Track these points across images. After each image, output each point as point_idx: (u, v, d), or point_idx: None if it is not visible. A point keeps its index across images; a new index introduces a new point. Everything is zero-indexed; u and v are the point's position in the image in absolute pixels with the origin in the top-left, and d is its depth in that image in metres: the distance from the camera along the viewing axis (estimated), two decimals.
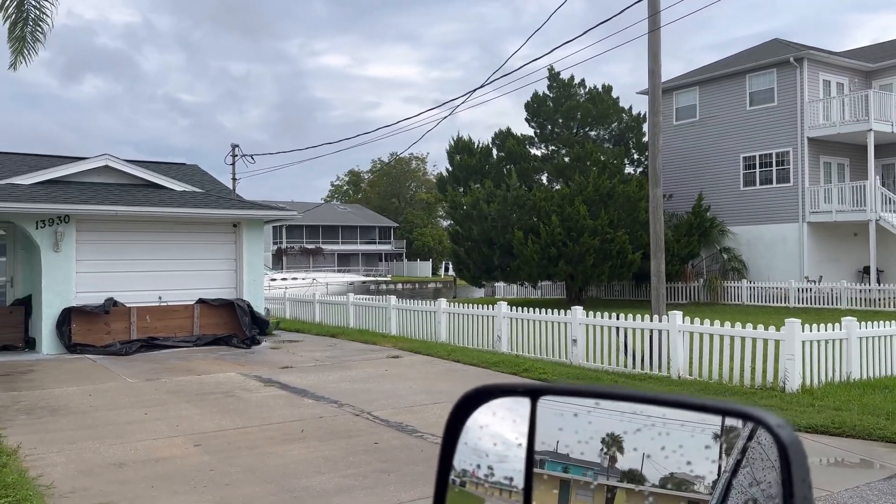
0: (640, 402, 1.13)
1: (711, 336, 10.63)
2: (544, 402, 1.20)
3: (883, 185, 29.28)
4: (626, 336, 11.95)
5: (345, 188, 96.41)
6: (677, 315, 11.05)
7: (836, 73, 30.88)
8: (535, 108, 31.71)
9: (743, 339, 10.19)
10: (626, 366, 11.81)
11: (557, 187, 30.06)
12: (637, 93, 36.23)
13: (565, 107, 30.94)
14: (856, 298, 26.15)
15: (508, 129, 31.59)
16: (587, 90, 31.44)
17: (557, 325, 13.00)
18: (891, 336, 10.48)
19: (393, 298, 17.62)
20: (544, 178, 32.27)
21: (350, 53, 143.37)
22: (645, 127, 32.43)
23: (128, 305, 14.78)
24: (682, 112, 34.46)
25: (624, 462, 1.10)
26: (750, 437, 1.03)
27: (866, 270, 30.12)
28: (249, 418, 8.61)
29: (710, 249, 31.79)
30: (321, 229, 75.52)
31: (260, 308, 15.95)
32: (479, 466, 1.21)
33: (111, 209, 14.21)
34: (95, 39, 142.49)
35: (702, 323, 10.98)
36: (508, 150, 30.05)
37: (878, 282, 28.44)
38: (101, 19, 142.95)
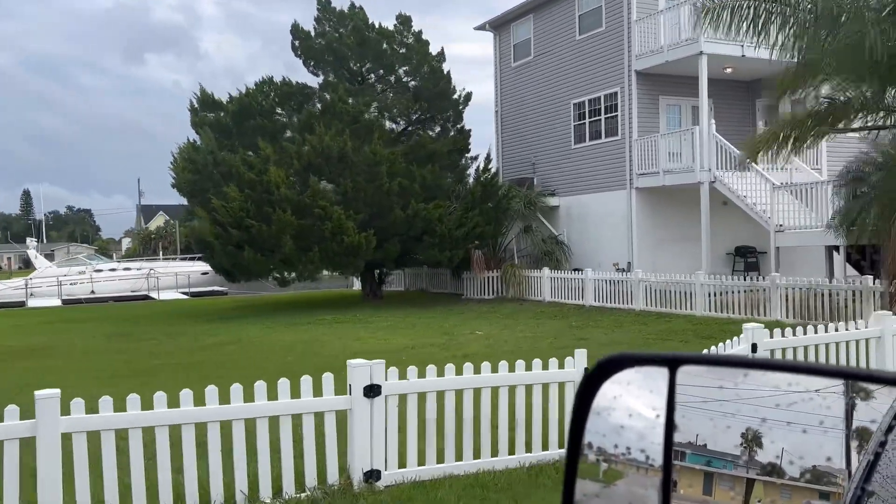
0: (795, 372, 1.09)
1: None
2: (685, 373, 1.11)
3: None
4: None
5: None
6: None
7: None
8: (298, 46, 24.57)
9: None
10: None
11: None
12: (475, 28, 28.52)
13: (320, 43, 23.67)
14: (653, 295, 18.08)
15: (271, 78, 24.50)
16: (360, 23, 23.98)
17: None
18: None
19: None
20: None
21: None
22: (446, 67, 24.85)
23: None
24: (519, 50, 26.66)
25: (770, 439, 1.04)
26: None
27: (740, 252, 21.94)
28: None
29: (533, 228, 23.99)
30: None
31: None
32: (611, 440, 1.13)
33: None
34: None
35: None
36: (240, 102, 22.99)
37: (748, 270, 20.37)
38: None
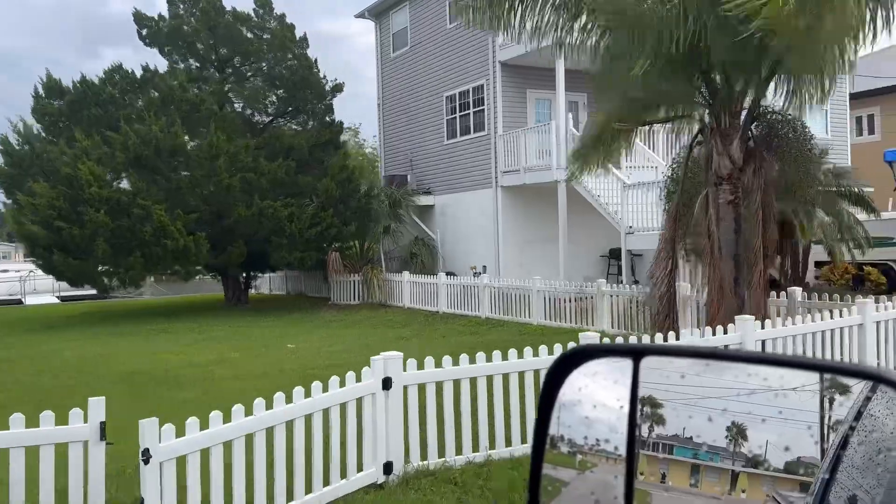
0: (754, 363, 1.07)
1: None
2: (648, 364, 1.10)
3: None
4: None
5: None
6: None
7: None
8: (146, 35, 22.66)
9: None
10: None
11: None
12: (356, 16, 26.90)
13: (167, 28, 21.83)
14: (499, 301, 16.55)
15: (120, 65, 22.51)
16: (208, 5, 22.13)
17: None
18: None
19: None
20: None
21: None
22: (310, 53, 23.18)
23: None
24: (398, 39, 25.08)
25: (730, 426, 1.02)
26: (867, 401, 0.98)
27: (615, 255, 20.55)
28: None
29: (393, 229, 22.33)
30: None
31: None
32: (577, 430, 1.13)
33: None
34: None
35: None
36: (78, 91, 20.99)
37: (621, 273, 18.98)
38: None
